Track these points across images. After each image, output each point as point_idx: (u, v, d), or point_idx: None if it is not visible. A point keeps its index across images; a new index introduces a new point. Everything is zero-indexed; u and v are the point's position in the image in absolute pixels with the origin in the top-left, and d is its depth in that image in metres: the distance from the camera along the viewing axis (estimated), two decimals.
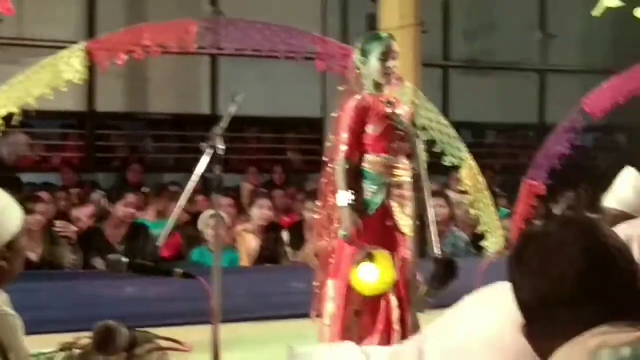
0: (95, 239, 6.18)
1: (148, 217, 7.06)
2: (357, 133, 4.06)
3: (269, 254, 6.62)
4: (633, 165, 3.22)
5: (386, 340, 3.91)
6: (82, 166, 9.54)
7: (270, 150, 10.64)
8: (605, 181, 3.34)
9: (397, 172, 4.09)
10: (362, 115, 4.07)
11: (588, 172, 9.23)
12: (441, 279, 3.93)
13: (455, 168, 6.82)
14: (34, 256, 5.79)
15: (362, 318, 4.01)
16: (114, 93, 9.73)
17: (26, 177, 8.73)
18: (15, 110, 5.75)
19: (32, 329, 2.19)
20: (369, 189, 4.05)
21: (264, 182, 9.32)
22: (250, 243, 6.60)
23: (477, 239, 6.90)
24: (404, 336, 3.86)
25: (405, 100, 5.23)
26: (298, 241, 6.60)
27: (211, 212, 5.18)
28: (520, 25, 11.26)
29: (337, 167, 4.05)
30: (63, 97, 6.12)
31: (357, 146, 4.07)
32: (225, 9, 9.17)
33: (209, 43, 6.32)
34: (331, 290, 4.07)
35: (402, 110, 4.21)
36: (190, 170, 3.25)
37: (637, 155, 8.45)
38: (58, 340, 2.25)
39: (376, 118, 4.08)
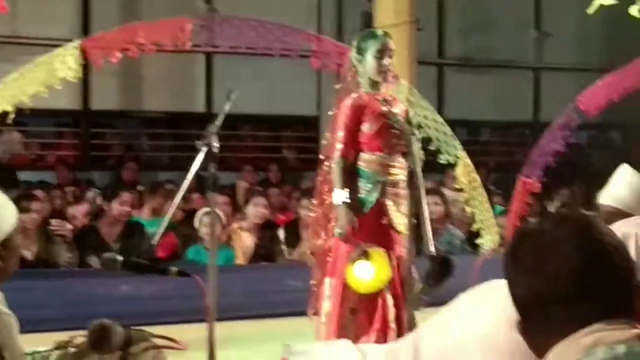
0: (90, 237, 6.17)
1: (143, 215, 7.05)
2: (353, 131, 4.07)
3: (265, 252, 6.62)
4: (628, 163, 3.22)
5: (382, 339, 3.91)
6: (77, 164, 9.52)
7: (266, 148, 10.63)
8: (599, 178, 3.34)
9: (392, 170, 4.09)
10: (358, 114, 4.07)
11: (582, 170, 9.24)
12: (436, 277, 3.93)
13: (451, 166, 6.83)
14: (29, 254, 5.78)
15: (358, 316, 4.01)
16: (108, 91, 9.71)
17: (21, 175, 8.71)
18: (9, 108, 5.74)
19: (27, 327, 2.18)
20: (364, 187, 4.05)
21: (260, 180, 9.31)
22: (245, 241, 6.60)
23: (472, 236, 6.91)
24: (400, 334, 3.87)
25: (401, 98, 5.23)
26: (294, 239, 6.60)
27: (206, 209, 5.18)
28: (515, 23, 11.27)
29: (333, 165, 4.06)
30: (58, 95, 6.12)
31: (353, 144, 4.07)
32: (219, 7, 9.15)
33: (204, 41, 6.32)
34: (327, 288, 4.07)
35: (398, 109, 4.22)
36: (185, 168, 3.25)
37: (631, 153, 8.49)
38: (53, 338, 2.24)
39: (372, 116, 4.08)
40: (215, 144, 3.14)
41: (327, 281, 4.08)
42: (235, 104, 3.40)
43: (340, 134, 4.07)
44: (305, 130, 10.53)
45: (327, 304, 4.05)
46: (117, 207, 6.23)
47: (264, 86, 9.68)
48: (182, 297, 4.80)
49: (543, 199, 7.89)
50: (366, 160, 4.08)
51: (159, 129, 10.49)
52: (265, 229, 6.73)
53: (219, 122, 3.25)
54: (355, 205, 3.99)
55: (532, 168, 7.07)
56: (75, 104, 9.65)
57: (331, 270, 4.08)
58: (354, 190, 4.02)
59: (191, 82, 10.21)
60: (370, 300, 3.98)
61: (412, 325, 3.93)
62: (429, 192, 4.92)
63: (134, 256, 3.27)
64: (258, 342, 4.89)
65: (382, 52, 4.09)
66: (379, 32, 4.36)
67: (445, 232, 6.79)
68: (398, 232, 4.06)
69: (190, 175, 3.20)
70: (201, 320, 3.06)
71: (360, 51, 4.15)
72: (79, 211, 6.65)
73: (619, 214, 2.88)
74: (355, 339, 3.77)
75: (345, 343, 1.94)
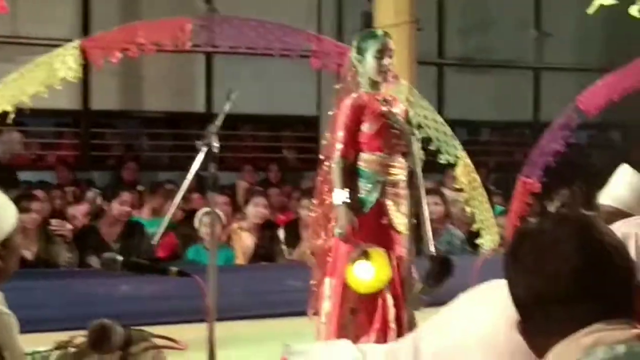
0: (90, 237, 6.17)
1: (143, 215, 7.05)
2: (353, 131, 4.07)
3: (265, 252, 6.62)
4: (627, 163, 3.22)
5: (382, 339, 3.91)
6: (77, 164, 9.52)
7: (266, 148, 10.64)
8: (599, 178, 3.34)
9: (392, 170, 4.09)
10: (358, 114, 4.07)
11: (582, 170, 9.24)
12: (436, 277, 3.93)
13: (451, 166, 6.83)
14: (29, 254, 5.78)
15: (358, 316, 4.01)
16: (108, 91, 9.71)
17: (21, 175, 8.71)
18: (9, 108, 5.74)
19: (27, 327, 2.18)
20: (364, 187, 4.05)
21: (260, 180, 9.31)
22: (245, 241, 6.60)
23: (472, 236, 6.91)
24: (400, 334, 3.87)
25: (401, 98, 5.23)
26: (293, 239, 6.60)
27: (206, 209, 5.18)
28: (515, 23, 11.27)
29: (333, 165, 4.06)
30: (57, 95, 6.12)
31: (353, 144, 4.07)
32: (219, 7, 9.15)
33: (204, 41, 6.32)
34: (327, 288, 4.07)
35: (398, 109, 4.21)
36: (185, 168, 3.25)
37: (631, 153, 8.49)
38: (53, 338, 2.24)
39: (372, 116, 4.08)
40: (215, 144, 3.14)
41: (327, 281, 4.08)
42: (235, 104, 3.40)
43: (340, 134, 4.07)
44: (305, 130, 10.53)
45: (327, 304, 4.05)
46: (117, 207, 6.23)
47: (264, 86, 9.68)
48: (182, 297, 4.80)
49: (543, 199, 7.89)
50: (366, 160, 4.08)
51: (159, 129, 10.49)
52: (265, 229, 6.73)
53: (219, 122, 3.25)
54: (355, 205, 3.99)
55: (532, 168, 7.07)
56: (75, 104, 9.65)
57: (331, 270, 4.08)
58: (353, 190, 4.02)
59: (191, 82, 10.21)
60: (370, 301, 3.98)
61: (412, 326, 3.93)
62: (429, 192, 4.91)
63: (134, 256, 3.27)
64: (258, 342, 4.89)
65: (382, 52, 4.09)
66: (379, 32, 4.36)
67: (445, 232, 6.79)
68: (398, 232, 4.06)
69: (190, 175, 3.20)
70: (201, 320, 3.06)
71: (360, 51, 4.15)
72: (78, 211, 6.65)
73: (619, 214, 2.88)
74: (355, 339, 3.77)
75: (345, 343, 1.94)
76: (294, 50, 6.35)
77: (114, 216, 6.23)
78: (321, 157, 4.27)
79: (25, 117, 7.12)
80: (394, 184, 4.08)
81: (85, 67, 6.15)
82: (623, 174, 3.13)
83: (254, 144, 10.64)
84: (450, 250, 6.50)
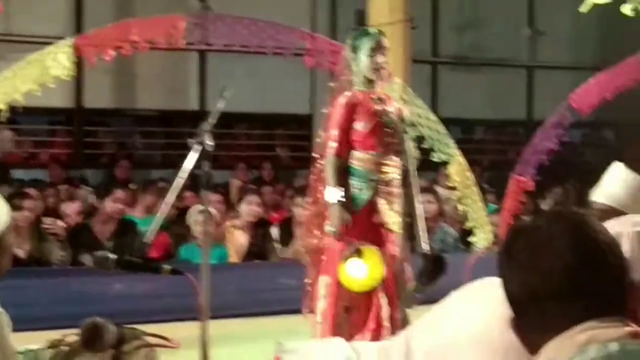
0: (83, 235, 6.16)
1: (136, 213, 7.04)
2: (346, 130, 4.07)
3: (258, 250, 6.62)
4: (620, 161, 3.22)
5: (376, 338, 3.91)
6: (70, 162, 9.50)
7: (259, 146, 10.63)
8: (592, 177, 3.35)
9: (385, 169, 4.09)
10: (351, 112, 4.07)
11: (576, 168, 9.26)
12: (429, 275, 3.93)
13: (444, 164, 6.83)
14: (21, 253, 5.77)
15: (352, 314, 4.01)
16: (101, 89, 9.69)
17: (14, 174, 8.69)
18: (2, 106, 5.72)
19: (20, 325, 2.18)
20: (356, 185, 4.05)
21: (253, 178, 9.31)
22: (239, 239, 6.59)
23: (465, 234, 6.92)
24: (394, 333, 3.87)
25: (396, 96, 5.23)
26: (287, 237, 6.60)
27: (199, 207, 5.17)
28: (508, 21, 11.28)
29: (327, 163, 4.05)
30: (50, 93, 6.10)
31: (347, 143, 4.07)
32: (213, 5, 9.13)
33: (197, 39, 6.31)
34: (322, 286, 4.07)
35: (393, 107, 4.21)
36: (178, 167, 3.24)
37: (624, 151, 8.51)
38: (45, 337, 2.24)
39: (365, 115, 4.08)
40: (209, 142, 3.14)
41: (322, 279, 4.08)
42: (229, 102, 3.39)
43: (334, 132, 4.07)
44: (299, 129, 10.53)
45: (322, 303, 4.05)
46: (111, 205, 6.22)
47: (257, 84, 9.68)
48: (175, 295, 4.79)
49: (536, 197, 7.91)
50: (359, 158, 4.08)
51: (152, 127, 10.47)
52: (259, 227, 6.73)
53: (212, 120, 3.25)
54: (347, 203, 4.00)
55: (525, 166, 7.08)
56: (68, 102, 9.62)
57: (325, 268, 4.08)
58: (345, 188, 4.02)
59: (184, 80, 10.19)
60: (364, 299, 3.98)
61: (405, 324, 3.93)
62: (422, 190, 4.91)
63: (126, 254, 3.26)
64: (251, 340, 4.88)
65: (376, 50, 4.09)
66: (373, 30, 4.36)
67: (439, 230, 6.80)
68: (390, 231, 4.06)
69: (183, 174, 3.20)
70: (194, 319, 3.06)
71: (354, 49, 4.15)
72: (71, 209, 6.64)
73: (612, 212, 2.88)
74: (350, 337, 3.77)
75: (338, 341, 1.94)
76: (288, 49, 6.35)
77: (107, 214, 6.22)
78: (314, 155, 4.27)
79: (18, 115, 7.09)
80: (387, 183, 4.08)
81: (79, 65, 6.14)
82: (616, 172, 3.13)
83: (247, 142, 10.63)
84: (443, 248, 6.51)
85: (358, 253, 3.86)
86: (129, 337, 2.10)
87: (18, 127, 9.53)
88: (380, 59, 4.09)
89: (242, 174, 9.19)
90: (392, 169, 4.10)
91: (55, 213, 6.53)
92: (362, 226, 4.01)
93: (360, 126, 4.08)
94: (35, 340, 2.28)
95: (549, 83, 11.19)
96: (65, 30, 8.72)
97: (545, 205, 8.12)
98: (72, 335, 2.16)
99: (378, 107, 4.11)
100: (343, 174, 4.05)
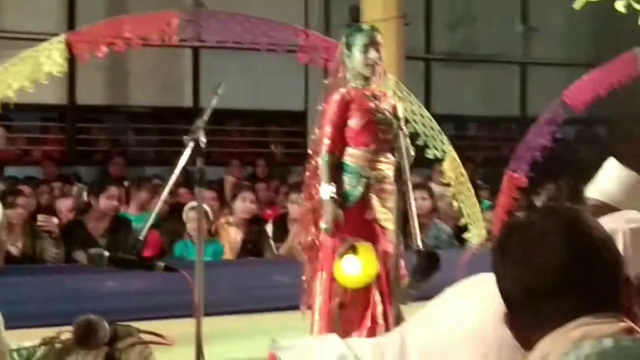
0: (77, 232, 6.14)
1: (130, 210, 7.03)
2: (340, 127, 4.07)
3: (252, 247, 6.61)
4: (614, 158, 3.23)
5: (372, 335, 3.91)
6: (63, 159, 9.47)
7: (253, 143, 10.62)
8: (586, 173, 3.35)
9: (379, 165, 4.09)
10: (345, 109, 4.07)
11: (569, 165, 9.28)
12: (423, 271, 3.93)
13: (438, 160, 6.83)
14: (14, 250, 5.75)
15: (347, 311, 4.01)
16: (94, 86, 9.67)
17: (7, 171, 8.66)
18: None
19: (13, 323, 2.17)
20: (348, 182, 4.06)
21: (247, 175, 9.30)
22: (233, 236, 6.59)
23: (459, 231, 6.92)
24: (387, 330, 3.87)
25: (390, 93, 5.22)
26: (281, 234, 6.60)
27: (194, 204, 5.16)
28: (501, 18, 11.30)
29: (320, 160, 4.06)
30: (43, 89, 6.07)
31: (340, 140, 4.07)
32: (206, 1, 9.11)
33: (191, 35, 6.29)
34: (319, 283, 4.07)
35: (387, 104, 4.21)
36: (172, 163, 3.23)
37: (617, 148, 8.53)
38: (39, 334, 2.23)
39: (359, 111, 4.08)
40: (203, 139, 3.13)
41: (319, 276, 4.08)
42: (223, 98, 3.39)
43: (327, 129, 4.07)
44: (293, 125, 10.52)
45: (319, 299, 4.05)
46: (105, 202, 6.20)
47: (251, 81, 9.66)
48: (169, 292, 4.79)
49: (530, 193, 7.92)
50: (352, 155, 4.08)
51: (146, 124, 10.45)
52: (253, 224, 6.72)
53: (206, 116, 3.24)
54: (340, 200, 4.00)
55: (519, 163, 7.08)
56: (61, 99, 9.59)
57: (320, 265, 4.08)
58: (338, 184, 4.02)
59: (178, 76, 10.17)
60: (360, 296, 3.98)
61: (399, 320, 3.93)
62: (416, 186, 4.92)
63: (120, 252, 3.26)
64: (245, 337, 4.88)
65: (369, 46, 4.09)
66: (366, 26, 4.36)
67: (433, 227, 6.81)
68: (383, 227, 4.06)
69: (177, 170, 3.19)
70: (188, 316, 3.06)
71: (348, 46, 4.15)
72: (63, 206, 6.62)
73: (605, 208, 2.88)
74: (345, 334, 3.76)
75: (333, 337, 1.94)
76: (281, 45, 6.33)
77: (101, 211, 6.20)
78: (309, 151, 4.27)
79: (10, 112, 7.06)
80: (381, 179, 4.08)
81: (71, 62, 6.11)
82: (611, 168, 3.13)
83: (241, 138, 10.62)
84: (437, 244, 6.51)
85: (352, 249, 3.86)
86: (123, 334, 2.10)
87: (10, 124, 9.50)
88: (373, 54, 4.09)
89: (236, 170, 9.18)
90: (386, 166, 4.10)
91: (50, 210, 6.51)
92: (354, 223, 4.01)
93: (353, 123, 4.08)
94: (29, 337, 2.27)
95: (542, 80, 11.21)
96: (58, 26, 8.69)
97: (539, 201, 8.13)
98: (65, 333, 2.15)
99: (372, 104, 4.11)
100: (336, 171, 4.05)
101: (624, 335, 1.19)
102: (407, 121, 6.24)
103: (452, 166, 6.73)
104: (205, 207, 5.62)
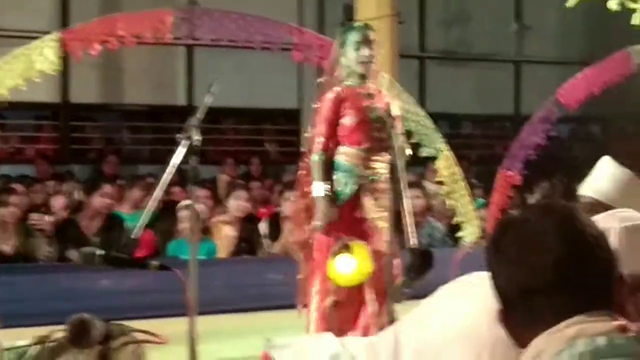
0: (70, 231, 6.13)
1: (124, 209, 7.01)
2: (333, 125, 4.07)
3: (246, 245, 6.61)
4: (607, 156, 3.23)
5: (367, 334, 3.91)
6: (56, 158, 9.45)
7: (247, 141, 10.61)
8: (579, 171, 3.35)
9: (372, 164, 4.09)
10: (338, 107, 4.07)
11: (563, 163, 9.30)
12: (417, 270, 3.93)
13: (432, 159, 6.84)
14: (8, 248, 5.74)
15: (341, 309, 4.01)
16: (88, 84, 9.64)
17: (0, 169, 8.63)
18: None
19: (6, 321, 2.16)
20: (340, 180, 4.05)
21: (241, 174, 9.29)
22: (227, 234, 6.58)
23: (453, 229, 6.93)
24: (381, 329, 3.87)
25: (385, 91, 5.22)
26: (275, 232, 6.60)
27: (187, 202, 5.15)
28: (495, 16, 11.31)
29: (313, 158, 4.05)
30: (36, 88, 6.05)
31: (334, 138, 4.07)
32: None
33: (185, 33, 6.28)
34: (314, 282, 4.07)
35: (382, 102, 4.21)
36: (166, 162, 3.23)
37: (610, 146, 8.55)
38: (33, 333, 2.23)
39: (352, 110, 4.08)
40: (197, 137, 3.12)
41: (315, 274, 4.08)
42: (217, 97, 3.38)
43: (321, 127, 4.07)
44: (287, 124, 10.52)
45: (315, 298, 4.05)
46: (98, 200, 6.19)
47: (245, 79, 9.65)
48: (162, 291, 4.78)
49: (524, 191, 7.94)
50: (345, 153, 4.08)
51: (140, 122, 10.43)
52: (247, 222, 6.72)
53: (200, 115, 3.23)
54: (332, 198, 4.00)
55: (512, 161, 7.09)
56: (55, 97, 9.57)
57: (315, 263, 4.08)
58: (331, 182, 4.02)
59: (172, 74, 10.16)
60: (355, 294, 3.98)
61: (392, 319, 3.94)
62: (410, 185, 4.91)
63: (114, 250, 3.25)
64: (239, 336, 4.88)
65: (362, 43, 4.09)
66: (359, 24, 4.37)
67: (427, 225, 6.82)
68: (375, 226, 4.06)
69: (170, 169, 3.18)
70: (182, 314, 3.05)
71: (342, 44, 4.15)
72: (57, 204, 6.61)
73: (599, 206, 2.88)
74: (340, 332, 3.77)
75: (327, 336, 1.94)
76: (276, 43, 6.33)
77: (94, 209, 6.19)
78: (303, 150, 4.26)
79: (3, 110, 7.05)
80: (374, 178, 4.08)
81: (65, 60, 6.09)
82: (605, 165, 3.13)
83: (235, 137, 10.61)
84: (431, 243, 6.52)
85: (347, 248, 3.86)
86: (116, 333, 2.09)
87: (4, 122, 9.47)
88: (366, 52, 4.09)
89: (230, 169, 9.17)
90: (380, 164, 4.10)
91: (42, 209, 6.49)
92: (345, 221, 4.01)
93: (346, 121, 4.07)
94: (22, 336, 2.26)
95: (536, 78, 11.23)
96: (51, 24, 8.66)
97: (533, 199, 8.15)
98: (58, 332, 2.14)
99: (366, 103, 4.11)
100: (329, 169, 4.05)
101: (617, 334, 1.19)
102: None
103: (446, 164, 6.74)
104: (197, 206, 5.61)
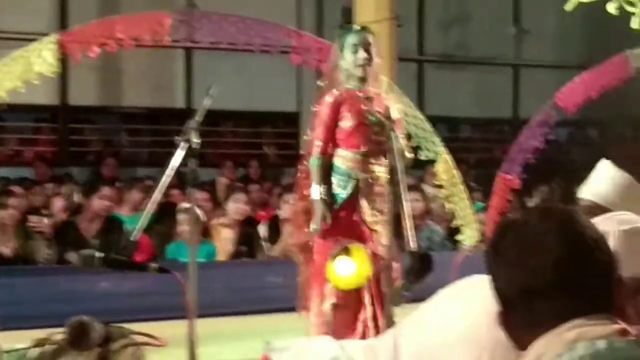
0: (69, 233, 6.13)
1: (123, 211, 7.01)
2: (332, 128, 4.07)
3: (245, 248, 6.61)
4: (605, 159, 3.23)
5: (366, 337, 3.91)
6: (55, 160, 9.45)
7: (246, 144, 10.61)
8: (578, 175, 3.36)
9: (370, 167, 4.09)
10: (337, 110, 4.07)
11: (561, 166, 9.31)
12: (417, 273, 3.93)
13: (431, 162, 6.84)
14: (7, 250, 5.73)
15: (340, 312, 4.01)
16: (87, 86, 9.64)
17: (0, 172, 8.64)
18: None
19: (5, 324, 2.16)
20: (337, 183, 4.06)
21: (240, 176, 9.29)
22: (226, 237, 6.58)
23: (452, 232, 6.93)
24: (377, 332, 3.87)
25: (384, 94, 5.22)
26: (274, 235, 6.59)
27: (186, 205, 5.14)
28: (494, 20, 11.32)
29: (312, 161, 4.06)
30: (35, 90, 6.05)
31: (332, 141, 4.07)
32: (199, 2, 9.11)
33: (183, 36, 6.28)
34: (314, 285, 4.07)
35: (382, 106, 4.20)
36: (165, 164, 3.23)
37: (608, 150, 8.56)
38: (32, 335, 2.23)
39: (350, 113, 4.08)
40: (195, 140, 3.13)
41: (314, 277, 4.08)
42: (216, 99, 3.38)
43: (320, 131, 4.07)
44: (286, 126, 10.52)
45: (314, 301, 4.05)
46: (97, 202, 6.19)
47: (244, 82, 9.66)
48: (162, 293, 4.78)
49: (523, 195, 7.94)
50: (343, 156, 4.08)
51: (139, 125, 10.43)
52: (246, 225, 6.71)
53: (198, 117, 3.23)
54: (329, 201, 4.00)
55: (511, 164, 7.10)
56: (53, 99, 9.57)
57: (314, 266, 4.08)
58: (329, 186, 4.03)
59: (171, 77, 10.16)
60: (354, 297, 3.98)
61: (391, 322, 3.94)
62: (409, 188, 4.91)
63: (113, 252, 3.25)
64: (239, 339, 4.87)
65: (359, 46, 4.09)
66: (357, 27, 4.37)
67: (426, 229, 6.81)
68: (371, 229, 4.06)
69: (169, 171, 3.18)
70: (181, 317, 3.05)
71: (341, 48, 4.15)
72: (56, 206, 6.61)
73: (598, 209, 2.89)
74: (340, 335, 3.76)
75: (326, 339, 1.94)
76: (274, 46, 6.33)
77: (93, 211, 6.19)
78: (302, 153, 4.27)
79: (2, 113, 7.05)
80: (372, 181, 4.08)
81: (63, 62, 6.09)
82: (604, 169, 3.14)
83: (234, 140, 10.61)
84: (430, 246, 6.52)
85: (346, 251, 3.86)
86: (115, 335, 2.09)
87: (2, 124, 9.47)
88: (363, 54, 4.09)
89: (229, 172, 9.17)
90: (379, 168, 4.10)
91: (41, 211, 6.49)
92: (342, 224, 4.01)
93: (344, 124, 4.08)
94: (22, 339, 2.26)
95: (534, 81, 11.24)
96: (50, 26, 8.66)
97: (532, 203, 8.15)
98: (58, 334, 2.14)
99: (364, 106, 4.11)
100: (328, 172, 4.05)
101: (617, 337, 1.19)
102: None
103: (445, 168, 6.74)
104: (197, 209, 5.61)
